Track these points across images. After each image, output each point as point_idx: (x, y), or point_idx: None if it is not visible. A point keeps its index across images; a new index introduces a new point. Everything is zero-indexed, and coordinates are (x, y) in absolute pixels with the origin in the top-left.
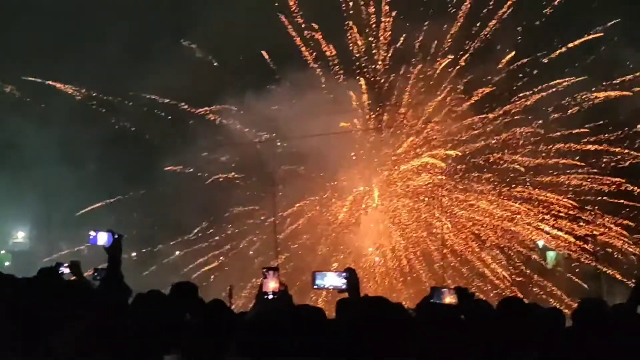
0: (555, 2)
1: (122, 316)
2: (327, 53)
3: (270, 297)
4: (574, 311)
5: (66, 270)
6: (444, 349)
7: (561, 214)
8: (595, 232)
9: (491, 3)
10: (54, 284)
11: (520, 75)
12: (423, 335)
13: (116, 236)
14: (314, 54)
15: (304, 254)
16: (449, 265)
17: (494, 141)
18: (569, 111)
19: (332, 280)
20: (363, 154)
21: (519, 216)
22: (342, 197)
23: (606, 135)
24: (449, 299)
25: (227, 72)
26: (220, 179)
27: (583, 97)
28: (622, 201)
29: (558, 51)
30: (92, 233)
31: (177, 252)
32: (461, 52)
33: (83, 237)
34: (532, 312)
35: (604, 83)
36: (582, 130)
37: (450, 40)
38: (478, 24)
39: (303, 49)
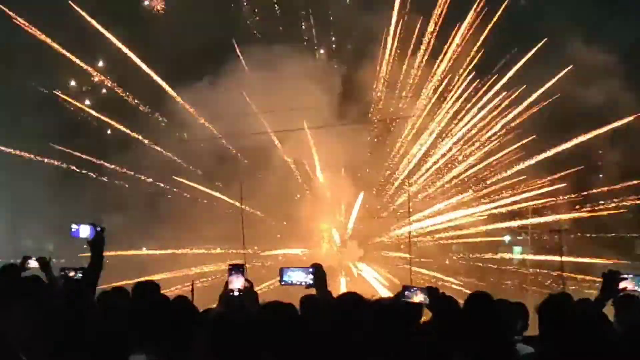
0: None
1: (86, 312)
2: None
3: (236, 294)
4: (540, 305)
5: (33, 264)
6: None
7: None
8: (560, 228)
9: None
10: (18, 280)
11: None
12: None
13: (98, 229)
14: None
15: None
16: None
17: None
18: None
19: (299, 276)
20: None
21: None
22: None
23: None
24: (419, 297)
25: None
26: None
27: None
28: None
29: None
30: (74, 226)
31: (144, 248)
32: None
33: (49, 235)
34: (498, 306)
35: None
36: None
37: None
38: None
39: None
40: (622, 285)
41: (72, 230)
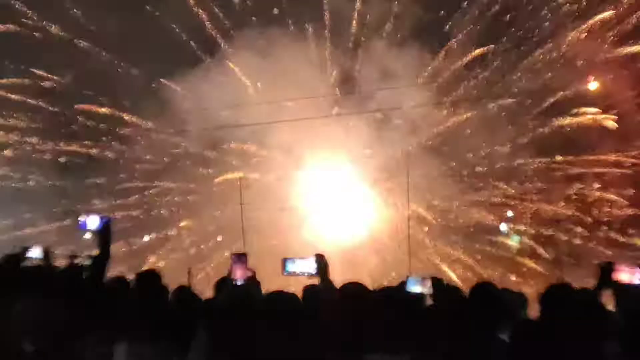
0: None
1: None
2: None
3: (239, 283)
4: (542, 295)
5: (34, 253)
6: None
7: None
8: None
9: None
10: (19, 270)
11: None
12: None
13: (105, 220)
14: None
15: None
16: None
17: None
18: None
19: (302, 266)
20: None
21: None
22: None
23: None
24: (423, 288)
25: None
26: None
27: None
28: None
29: None
30: (82, 218)
31: (146, 240)
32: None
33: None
34: (501, 296)
35: None
36: None
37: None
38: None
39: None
40: (617, 276)
41: (80, 222)
